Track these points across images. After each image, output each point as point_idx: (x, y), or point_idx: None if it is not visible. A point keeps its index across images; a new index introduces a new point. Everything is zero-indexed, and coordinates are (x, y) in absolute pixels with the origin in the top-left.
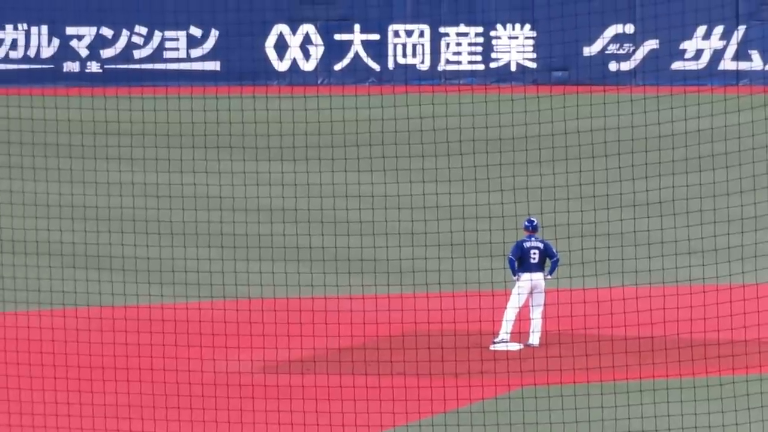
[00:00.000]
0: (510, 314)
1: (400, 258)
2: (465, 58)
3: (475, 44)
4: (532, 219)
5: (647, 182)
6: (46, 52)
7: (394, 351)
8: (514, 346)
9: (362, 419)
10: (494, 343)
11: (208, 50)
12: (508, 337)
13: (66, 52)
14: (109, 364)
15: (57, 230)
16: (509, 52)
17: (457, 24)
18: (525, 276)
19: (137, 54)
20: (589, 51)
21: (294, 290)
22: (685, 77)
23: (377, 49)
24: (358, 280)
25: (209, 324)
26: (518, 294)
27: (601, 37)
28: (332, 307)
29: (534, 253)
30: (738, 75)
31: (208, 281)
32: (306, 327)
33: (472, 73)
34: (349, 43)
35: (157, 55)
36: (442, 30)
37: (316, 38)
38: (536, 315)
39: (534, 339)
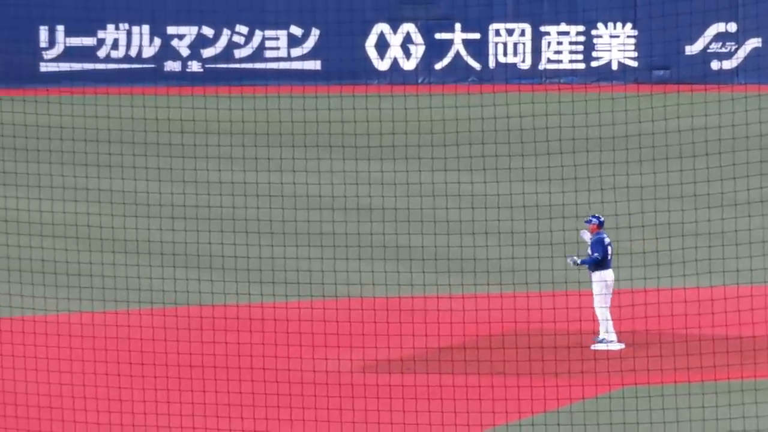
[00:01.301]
0: (606, 313)
1: (500, 257)
2: (566, 56)
3: (576, 43)
4: (598, 215)
5: (748, 181)
6: (148, 52)
7: (494, 351)
8: (615, 346)
9: (462, 419)
10: (595, 342)
11: (308, 49)
12: (612, 336)
13: (167, 51)
14: (209, 363)
15: (158, 229)
16: (610, 50)
17: (558, 23)
18: (609, 272)
19: (238, 53)
20: (690, 50)
21: (394, 290)
22: None
23: (478, 48)
24: (458, 279)
25: (309, 323)
26: (605, 293)
27: (703, 35)
28: (432, 307)
29: (611, 249)
30: None
31: (308, 280)
32: (406, 326)
33: (573, 72)
34: (450, 42)
35: (257, 55)
36: (543, 29)
37: (416, 37)
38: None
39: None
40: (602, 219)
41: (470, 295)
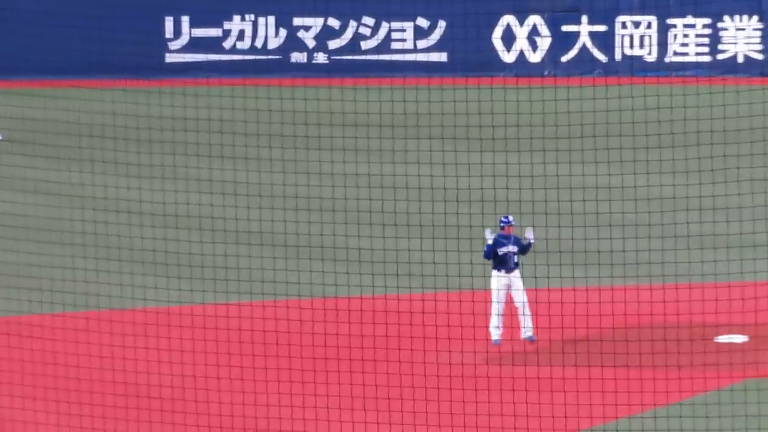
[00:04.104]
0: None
1: (624, 250)
2: (692, 49)
3: (703, 35)
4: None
5: None
6: (273, 43)
7: (618, 343)
8: (739, 338)
9: (585, 411)
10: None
11: (435, 41)
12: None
13: (293, 42)
14: (333, 355)
15: (282, 221)
16: (736, 43)
17: (684, 15)
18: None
19: (364, 45)
20: None
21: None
22: None
23: (604, 41)
24: (583, 271)
25: (432, 315)
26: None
27: None
28: (555, 299)
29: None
30: None
31: (432, 273)
32: (532, 318)
33: (699, 64)
34: (577, 34)
35: (384, 46)
36: (669, 21)
37: (543, 29)
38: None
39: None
40: (502, 221)
41: (593, 287)
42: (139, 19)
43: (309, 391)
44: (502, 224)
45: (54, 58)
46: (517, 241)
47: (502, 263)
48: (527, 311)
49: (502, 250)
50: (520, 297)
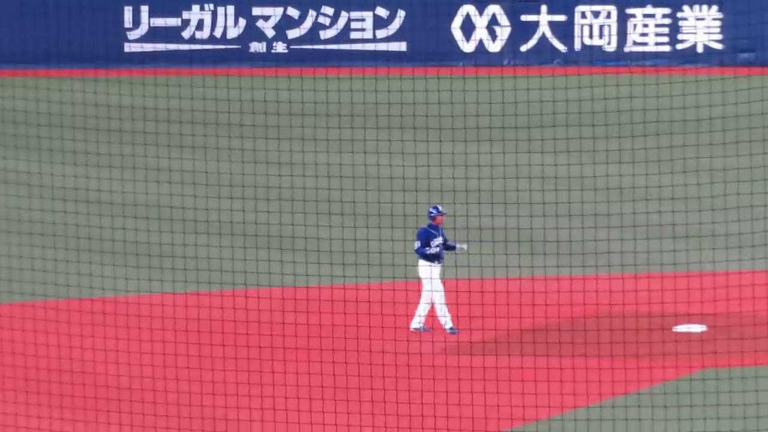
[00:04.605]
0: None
1: (582, 239)
2: (652, 39)
3: (662, 25)
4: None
5: None
6: (233, 33)
7: (576, 332)
8: (697, 328)
9: (543, 400)
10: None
11: (394, 31)
12: (418, 321)
13: (252, 32)
14: (291, 345)
15: (240, 210)
16: (696, 33)
17: (643, 5)
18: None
19: (323, 34)
20: None
21: (475, 271)
22: None
23: (564, 30)
24: (542, 261)
25: (391, 305)
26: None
27: None
28: (515, 289)
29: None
30: None
31: (390, 262)
32: (487, 308)
33: (658, 54)
34: (536, 24)
35: (343, 36)
36: (628, 11)
37: (502, 19)
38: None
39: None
40: (431, 211)
41: (552, 277)
42: (99, 8)
43: (267, 380)
44: (432, 215)
45: (12, 47)
46: (443, 234)
47: (435, 255)
48: (444, 300)
49: (435, 242)
50: (442, 287)
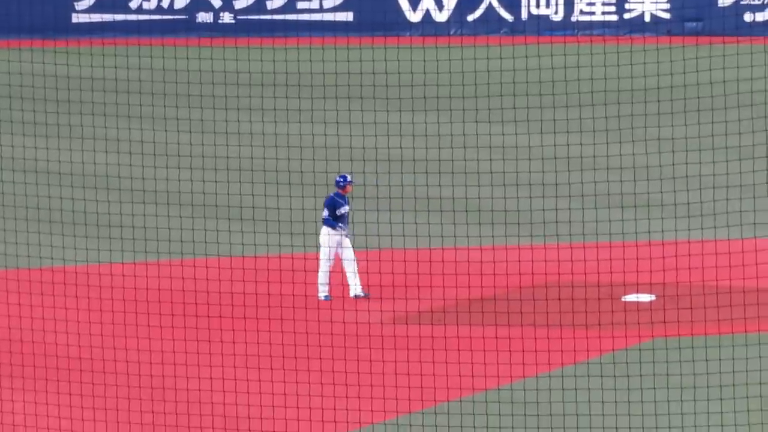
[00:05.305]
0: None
1: (531, 209)
2: (599, 8)
3: None
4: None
5: None
6: (179, 3)
7: (525, 302)
8: (646, 297)
9: (492, 370)
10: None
11: (340, 1)
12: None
13: (199, 3)
14: (240, 315)
15: (188, 180)
16: (643, 2)
17: None
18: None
19: (270, 4)
20: (723, 1)
21: (425, 241)
22: None
23: (510, 0)
24: (490, 230)
25: (338, 275)
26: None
27: None
28: (463, 258)
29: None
30: None
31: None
32: (437, 278)
33: (605, 23)
34: None
35: (290, 6)
36: None
37: None
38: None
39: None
40: (339, 180)
41: (500, 247)
42: None
43: (215, 350)
44: (340, 183)
45: None
46: (348, 201)
47: (340, 223)
48: (356, 269)
49: (340, 210)
50: (350, 255)
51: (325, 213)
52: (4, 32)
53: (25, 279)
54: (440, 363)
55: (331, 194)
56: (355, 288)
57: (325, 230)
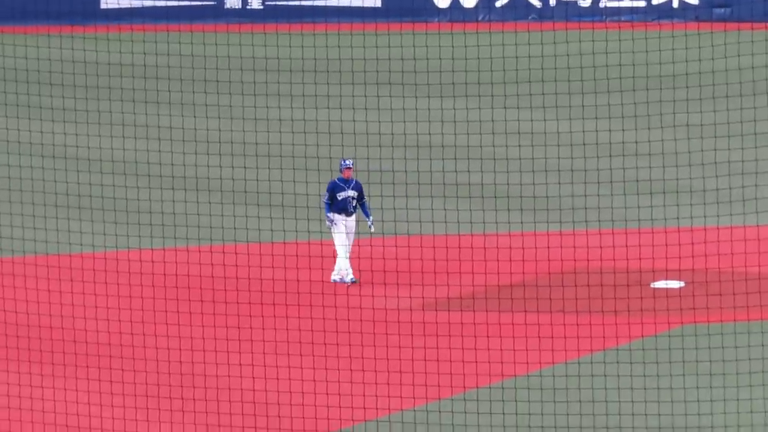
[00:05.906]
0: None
1: (560, 195)
2: None
3: None
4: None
5: None
6: None
7: (554, 289)
8: (675, 284)
9: (521, 356)
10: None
11: None
12: (344, 274)
13: None
14: (268, 301)
15: (217, 166)
16: None
17: None
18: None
19: None
20: None
21: (454, 227)
22: None
23: None
24: (519, 217)
25: (369, 261)
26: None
27: None
28: (492, 245)
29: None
30: None
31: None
32: (465, 264)
33: (633, 9)
34: None
35: None
36: None
37: None
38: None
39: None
40: (340, 163)
41: (530, 233)
42: None
43: (244, 336)
44: (340, 167)
45: None
46: (358, 187)
47: (342, 208)
48: (348, 254)
49: (341, 195)
50: (351, 241)
51: (325, 197)
52: (34, 19)
53: (55, 265)
54: (469, 349)
55: (335, 179)
56: (337, 273)
57: (334, 216)
